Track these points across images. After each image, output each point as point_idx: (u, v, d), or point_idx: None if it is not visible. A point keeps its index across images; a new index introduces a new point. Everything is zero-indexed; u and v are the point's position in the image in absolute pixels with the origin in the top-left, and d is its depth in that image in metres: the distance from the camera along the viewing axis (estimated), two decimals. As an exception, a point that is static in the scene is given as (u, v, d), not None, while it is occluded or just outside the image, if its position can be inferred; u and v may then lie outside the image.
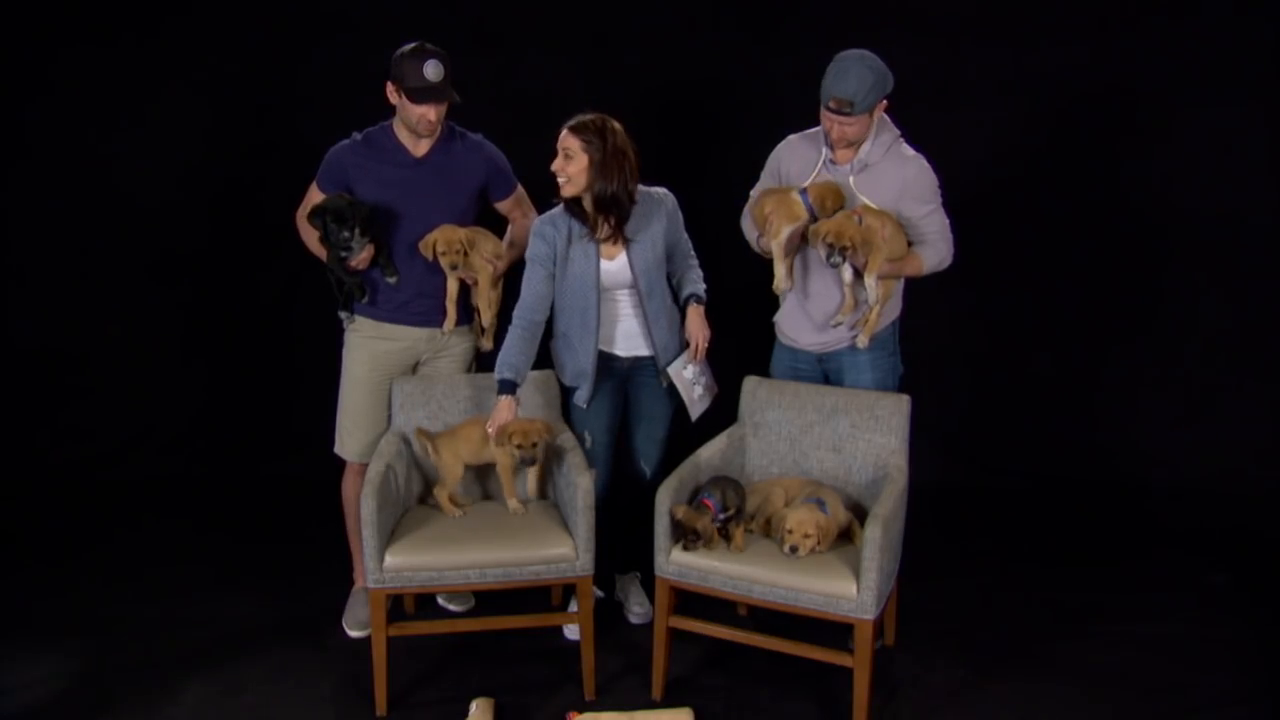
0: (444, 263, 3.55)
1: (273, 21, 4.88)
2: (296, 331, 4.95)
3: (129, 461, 5.07)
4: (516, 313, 3.51)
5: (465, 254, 3.55)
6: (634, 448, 3.77)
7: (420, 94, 3.46)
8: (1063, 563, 4.31)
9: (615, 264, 3.54)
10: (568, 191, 3.45)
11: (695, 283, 3.69)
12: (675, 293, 3.70)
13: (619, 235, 3.50)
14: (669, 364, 3.64)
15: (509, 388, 3.43)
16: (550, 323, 3.64)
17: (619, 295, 3.60)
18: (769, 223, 3.52)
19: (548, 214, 3.56)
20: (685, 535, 3.27)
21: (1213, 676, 3.52)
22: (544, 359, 3.70)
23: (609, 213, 3.45)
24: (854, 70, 3.32)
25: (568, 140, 3.40)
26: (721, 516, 3.28)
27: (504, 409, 3.42)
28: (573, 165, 3.41)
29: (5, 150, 4.95)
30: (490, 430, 3.44)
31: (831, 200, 3.45)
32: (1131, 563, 4.32)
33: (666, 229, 3.57)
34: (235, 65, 4.92)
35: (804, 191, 3.49)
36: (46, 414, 5.11)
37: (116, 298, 5.08)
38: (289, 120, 4.91)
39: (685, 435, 3.73)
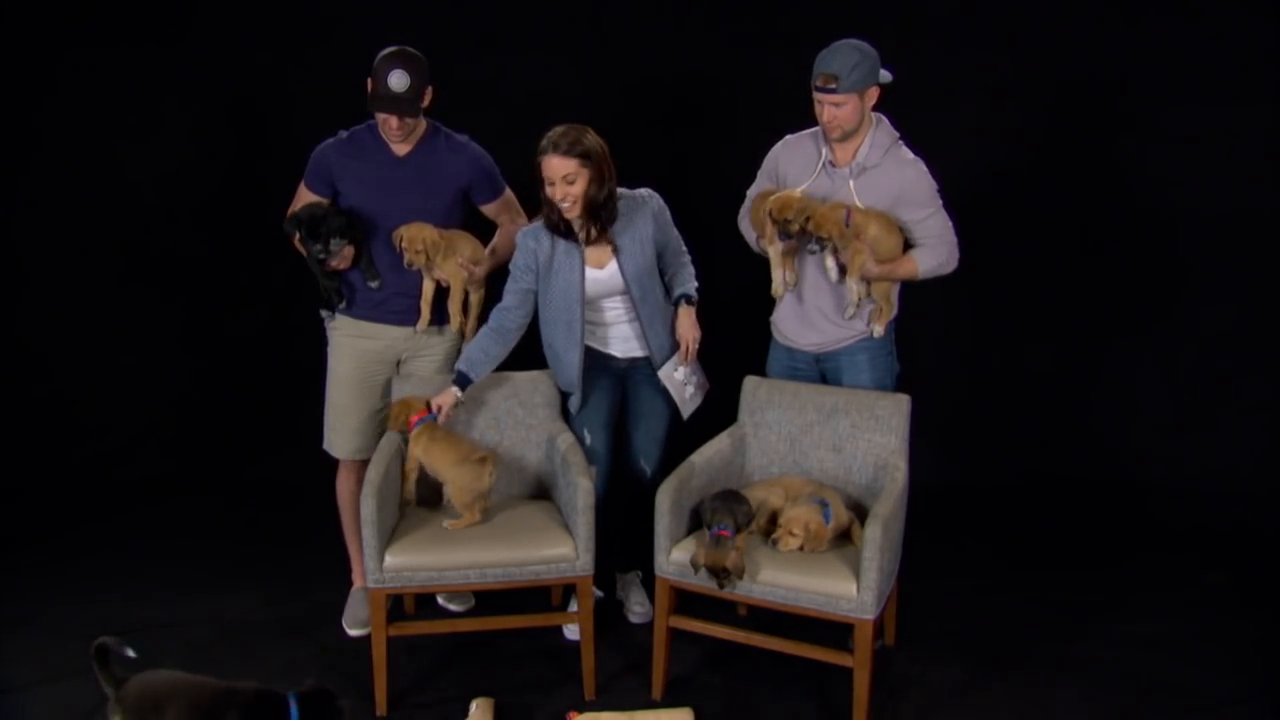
0: (404, 258, 3.53)
1: (270, 23, 4.88)
2: (295, 331, 4.93)
3: (128, 461, 5.07)
4: (493, 311, 3.54)
5: (428, 256, 3.51)
6: (634, 447, 3.76)
7: (379, 102, 3.44)
8: (1062, 563, 4.32)
9: (605, 272, 3.51)
10: (574, 213, 3.41)
11: (686, 282, 3.65)
12: (668, 290, 3.67)
13: (606, 239, 3.47)
14: (662, 367, 3.64)
15: (461, 380, 3.47)
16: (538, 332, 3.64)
17: (611, 303, 3.59)
18: (766, 226, 3.53)
19: (531, 225, 3.54)
20: (717, 576, 3.19)
21: (1213, 676, 3.52)
22: (539, 357, 3.71)
23: (599, 217, 3.43)
24: (840, 48, 3.36)
25: (564, 165, 3.32)
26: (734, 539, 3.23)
27: (446, 396, 3.47)
28: (577, 186, 3.35)
29: (7, 152, 4.96)
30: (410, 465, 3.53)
31: (804, 212, 3.41)
32: (1131, 562, 4.32)
33: (655, 231, 3.54)
34: (234, 66, 4.93)
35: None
36: (46, 414, 5.10)
37: (116, 298, 5.09)
38: (286, 121, 4.92)
39: (685, 435, 3.73)
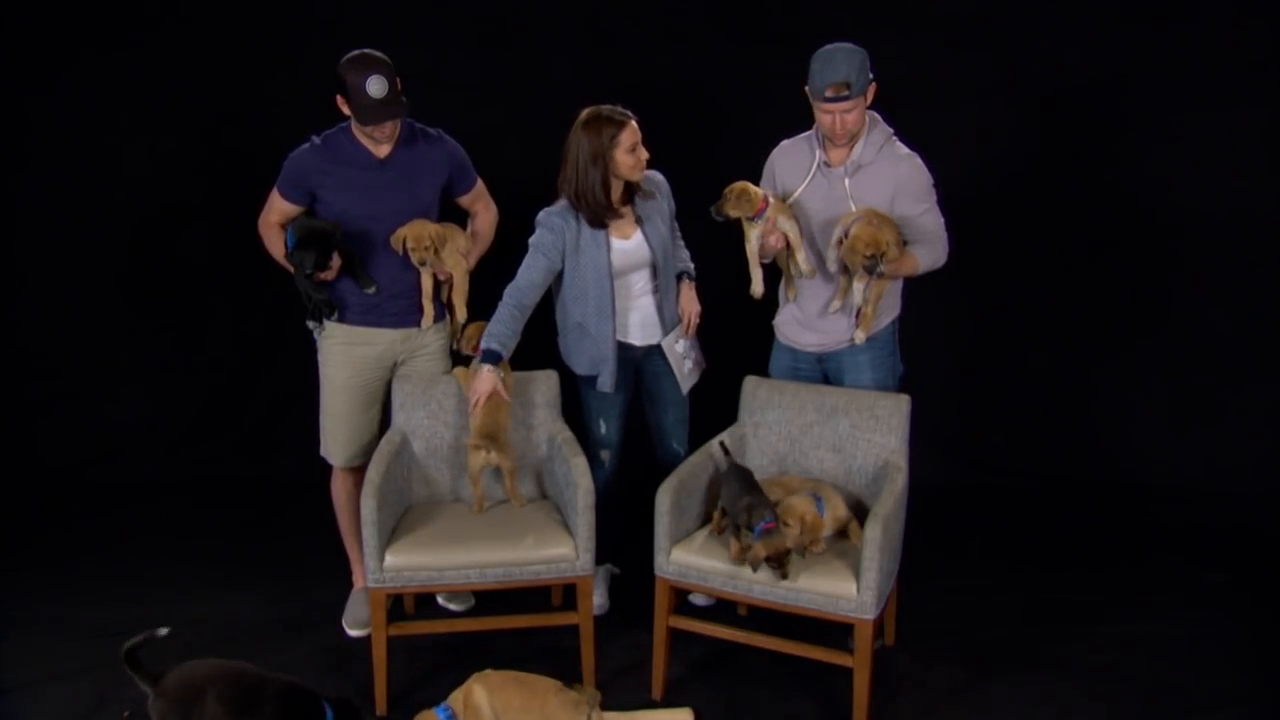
0: (413, 259, 3.51)
1: (269, 23, 4.87)
2: (295, 332, 4.93)
3: (129, 462, 5.07)
4: (509, 291, 3.50)
5: (436, 251, 3.53)
6: (666, 432, 3.84)
7: (370, 113, 3.37)
8: (1062, 563, 4.31)
9: (631, 242, 3.58)
10: (643, 172, 3.55)
11: (685, 261, 3.79)
12: None
13: (629, 211, 3.57)
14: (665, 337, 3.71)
15: (493, 358, 3.43)
16: (554, 318, 3.69)
17: (634, 279, 3.64)
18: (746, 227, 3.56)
19: (554, 208, 3.57)
20: (781, 564, 3.15)
21: (1212, 676, 3.52)
22: (539, 357, 3.71)
23: (635, 185, 3.58)
24: (840, 55, 3.35)
25: (638, 131, 3.49)
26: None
27: (485, 379, 3.42)
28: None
29: (4, 154, 4.95)
30: (469, 397, 3.45)
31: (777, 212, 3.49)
32: (1131, 563, 4.32)
33: (666, 205, 3.68)
34: (232, 67, 4.92)
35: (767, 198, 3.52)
36: (48, 415, 5.10)
37: (115, 298, 5.08)
38: (287, 121, 4.89)
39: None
